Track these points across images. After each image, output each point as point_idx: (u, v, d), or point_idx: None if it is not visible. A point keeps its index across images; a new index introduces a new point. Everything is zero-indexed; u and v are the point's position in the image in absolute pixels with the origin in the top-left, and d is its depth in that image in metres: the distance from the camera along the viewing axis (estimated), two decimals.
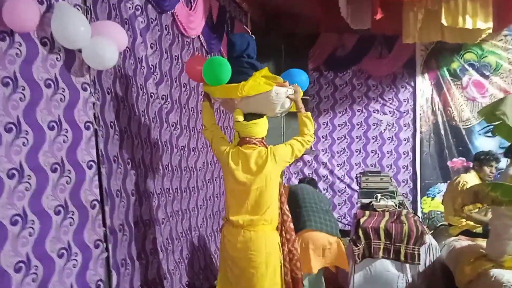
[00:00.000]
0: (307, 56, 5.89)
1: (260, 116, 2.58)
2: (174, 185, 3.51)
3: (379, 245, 3.16)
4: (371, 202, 3.94)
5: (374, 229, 3.19)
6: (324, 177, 6.12)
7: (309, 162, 6.17)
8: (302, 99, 2.64)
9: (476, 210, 3.26)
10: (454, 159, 5.71)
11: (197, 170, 4.02)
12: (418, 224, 3.20)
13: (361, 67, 6.00)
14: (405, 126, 5.95)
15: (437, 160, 5.81)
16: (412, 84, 5.86)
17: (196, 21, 3.65)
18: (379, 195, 3.97)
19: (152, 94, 3.09)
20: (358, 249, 3.17)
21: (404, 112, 5.93)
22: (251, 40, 2.68)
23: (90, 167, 2.08)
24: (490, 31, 3.71)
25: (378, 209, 3.75)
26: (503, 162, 3.75)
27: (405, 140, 5.96)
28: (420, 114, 5.77)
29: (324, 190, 6.12)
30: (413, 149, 5.86)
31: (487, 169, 3.53)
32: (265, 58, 5.39)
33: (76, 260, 2.01)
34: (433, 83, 5.76)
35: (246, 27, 3.03)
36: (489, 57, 5.54)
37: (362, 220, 3.38)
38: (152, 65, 3.09)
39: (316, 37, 5.93)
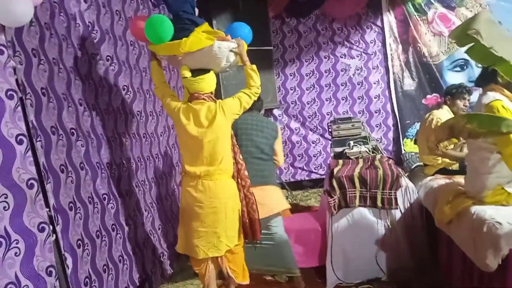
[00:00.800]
0: (266, 3, 5.56)
1: (207, 71, 2.65)
2: (136, 154, 3.28)
3: (355, 193, 3.05)
4: (344, 150, 3.81)
5: (348, 178, 3.06)
6: (296, 129, 5.97)
7: (279, 116, 5.99)
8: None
9: (452, 146, 3.16)
10: (428, 96, 5.63)
11: (158, 136, 3.79)
12: (393, 168, 3.08)
13: (324, 11, 5.73)
14: (374, 68, 5.79)
15: (412, 100, 5.71)
16: (378, 23, 5.66)
17: None
18: (351, 142, 3.83)
19: (93, 55, 2.80)
20: (334, 200, 3.05)
21: (372, 54, 5.76)
22: None
23: (20, 142, 1.82)
24: None
25: (351, 157, 3.62)
26: (475, 96, 3.66)
27: (376, 83, 5.82)
28: (390, 54, 5.59)
29: (297, 143, 5.99)
30: (388, 91, 5.72)
31: (460, 103, 3.41)
32: (222, 8, 5.06)
33: (18, 248, 1.78)
34: (399, 19, 5.56)
35: None
36: None
37: (335, 170, 3.24)
38: (89, 22, 2.77)
39: None
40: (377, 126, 5.83)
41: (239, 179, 2.78)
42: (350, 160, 3.55)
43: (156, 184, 3.57)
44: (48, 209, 1.97)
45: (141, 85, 3.50)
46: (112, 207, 2.67)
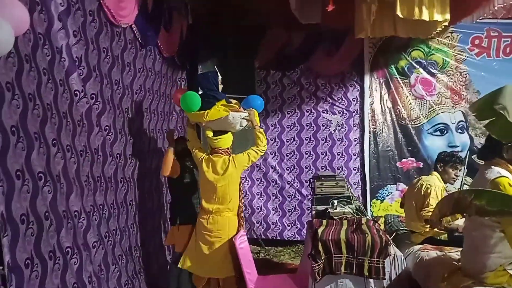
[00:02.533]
0: (254, 54, 5.51)
1: (225, 132, 3.37)
2: (109, 200, 2.99)
3: (341, 259, 2.83)
4: (327, 209, 3.62)
5: (334, 242, 2.85)
6: (273, 181, 5.77)
7: (257, 166, 5.80)
8: None
9: (456, 221, 3.01)
10: (404, 160, 5.58)
11: (135, 180, 3.51)
12: (381, 234, 2.89)
13: (309, 66, 5.70)
14: (355, 126, 5.72)
15: (386, 161, 5.64)
16: (361, 82, 5.65)
17: (128, 8, 3.14)
18: (335, 202, 3.65)
19: (76, 92, 2.55)
20: (318, 265, 2.82)
21: (354, 112, 5.70)
22: (211, 77, 3.46)
23: None
24: (447, 23, 3.49)
25: (335, 217, 3.43)
26: None
27: (355, 140, 5.72)
28: (369, 113, 5.56)
29: (273, 195, 5.78)
30: (362, 149, 5.65)
31: (451, 172, 3.31)
32: (209, 56, 4.95)
33: None
34: (381, 81, 5.57)
35: (215, 67, 3.63)
36: (436, 55, 5.43)
37: (320, 231, 3.03)
38: (77, 57, 2.56)
39: (263, 34, 5.56)
40: (355, 184, 5.70)
41: (239, 218, 3.41)
42: (334, 221, 3.35)
43: (127, 233, 3.25)
44: (1, 267, 1.66)
45: (123, 126, 3.26)
46: (75, 262, 2.34)
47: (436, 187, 3.23)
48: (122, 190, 3.19)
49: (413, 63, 5.48)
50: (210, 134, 3.35)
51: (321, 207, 3.75)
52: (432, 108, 5.47)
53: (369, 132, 5.60)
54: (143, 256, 3.51)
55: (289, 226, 5.73)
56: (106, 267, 2.77)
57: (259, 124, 3.49)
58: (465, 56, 5.39)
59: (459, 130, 5.46)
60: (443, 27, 3.62)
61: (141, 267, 3.43)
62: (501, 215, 1.83)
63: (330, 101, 5.72)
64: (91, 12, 2.74)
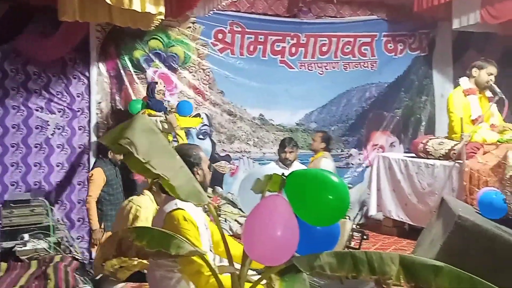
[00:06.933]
0: None
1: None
2: None
3: None
4: (15, 246, 3.41)
5: None
6: None
7: None
8: None
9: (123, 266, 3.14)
10: None
11: None
12: (69, 277, 2.86)
13: (16, 47, 5.33)
14: (81, 129, 5.62)
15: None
16: (88, 74, 5.57)
17: None
18: (26, 236, 3.47)
19: None
20: None
21: (79, 111, 5.59)
22: (151, 86, 5.30)
23: None
24: (162, 16, 3.70)
25: (22, 257, 3.25)
26: None
27: (81, 147, 5.62)
28: (97, 114, 5.53)
29: None
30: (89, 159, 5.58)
31: (163, 195, 3.49)
32: None
33: None
34: (112, 74, 5.61)
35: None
36: (177, 47, 5.77)
37: None
38: None
39: None
40: (79, 202, 5.59)
41: None
42: (19, 264, 3.17)
43: None
44: None
45: None
46: None
47: (146, 208, 3.39)
48: None
49: (151, 55, 5.70)
50: None
51: (8, 244, 3.51)
52: (171, 110, 5.79)
53: (96, 136, 5.57)
54: None
55: None
56: None
57: (178, 125, 5.08)
58: (208, 51, 5.88)
59: (201, 136, 5.92)
60: (160, 20, 3.83)
61: None
62: (159, 256, 1.98)
63: (47, 96, 5.49)
64: None
